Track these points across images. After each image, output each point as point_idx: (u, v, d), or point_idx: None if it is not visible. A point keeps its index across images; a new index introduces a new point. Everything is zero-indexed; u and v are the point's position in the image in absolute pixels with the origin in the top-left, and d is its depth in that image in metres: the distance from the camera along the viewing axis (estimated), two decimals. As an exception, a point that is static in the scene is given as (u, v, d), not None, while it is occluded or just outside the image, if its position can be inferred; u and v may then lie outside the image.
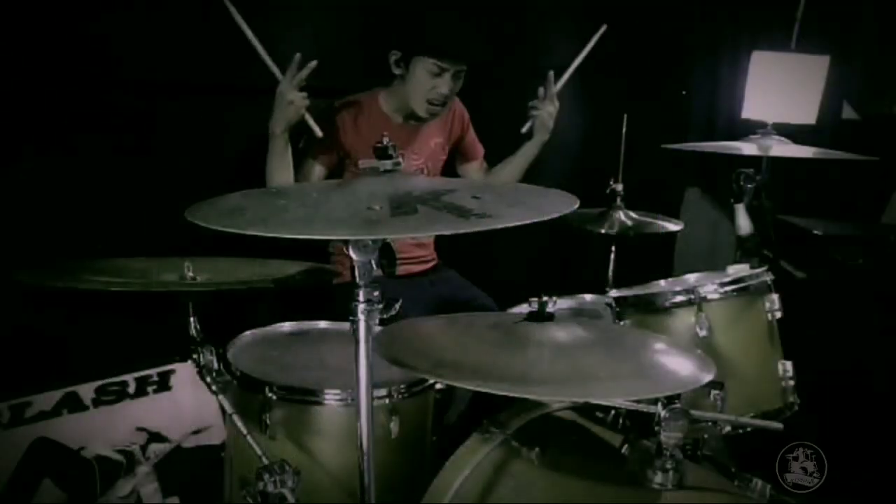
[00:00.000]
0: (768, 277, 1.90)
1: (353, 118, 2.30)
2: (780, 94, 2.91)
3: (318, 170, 2.28)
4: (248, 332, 1.83)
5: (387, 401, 1.55)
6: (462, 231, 1.08)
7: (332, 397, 1.55)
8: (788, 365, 1.88)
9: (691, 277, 2.15)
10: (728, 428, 1.74)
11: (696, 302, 1.79)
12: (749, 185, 2.15)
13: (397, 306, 1.23)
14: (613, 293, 1.97)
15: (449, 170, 2.56)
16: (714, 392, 1.61)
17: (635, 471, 1.34)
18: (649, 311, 1.85)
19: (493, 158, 2.60)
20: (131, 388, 2.10)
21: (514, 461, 1.43)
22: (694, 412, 1.32)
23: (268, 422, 1.54)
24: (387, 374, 1.41)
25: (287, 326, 1.91)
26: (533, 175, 2.46)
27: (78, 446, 2.01)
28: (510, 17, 2.99)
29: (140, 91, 2.28)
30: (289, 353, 1.78)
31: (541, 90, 2.36)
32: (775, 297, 1.89)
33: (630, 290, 1.99)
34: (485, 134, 2.62)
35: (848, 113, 3.39)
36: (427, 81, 2.23)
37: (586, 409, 1.62)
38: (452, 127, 2.50)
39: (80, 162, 2.20)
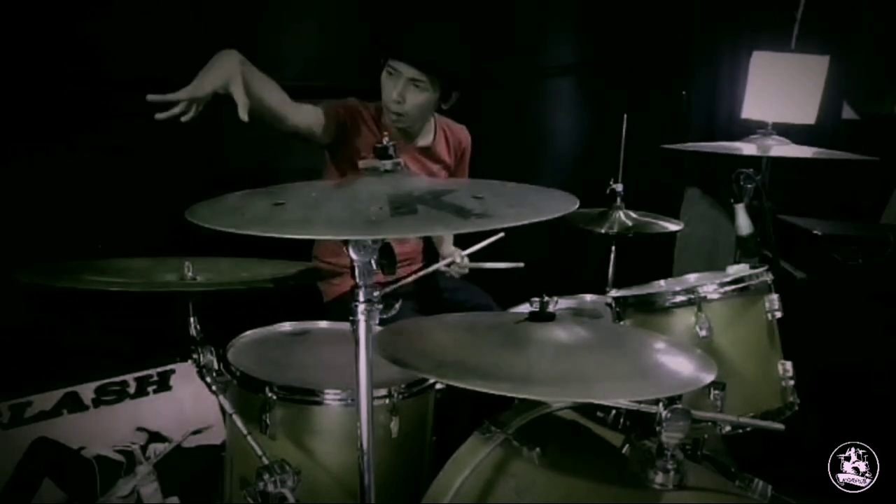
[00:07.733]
0: (768, 277, 1.90)
1: (377, 123, 2.18)
2: (780, 94, 2.90)
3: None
4: (248, 332, 1.83)
5: (387, 401, 1.54)
6: (462, 231, 1.08)
7: (332, 397, 1.54)
8: (788, 365, 1.88)
9: (691, 277, 2.14)
10: (728, 428, 1.74)
11: (696, 302, 1.79)
12: (749, 185, 2.15)
13: (397, 306, 1.23)
14: (613, 293, 1.96)
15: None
16: (714, 392, 1.61)
17: (636, 471, 1.34)
18: (649, 311, 1.85)
19: (493, 158, 2.59)
20: (131, 388, 2.10)
21: (514, 461, 1.42)
22: (695, 412, 1.32)
23: (268, 422, 1.53)
24: (387, 374, 1.41)
25: (287, 326, 1.91)
26: (533, 175, 2.46)
27: (78, 446, 2.01)
28: (509, 18, 2.99)
29: (140, 91, 2.28)
30: (289, 353, 1.77)
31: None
32: (775, 297, 1.89)
33: (630, 290, 1.98)
34: (484, 134, 2.61)
35: (848, 113, 3.39)
36: (384, 84, 2.09)
37: (587, 409, 1.62)
38: (455, 153, 2.42)
39: (80, 162, 2.20)
